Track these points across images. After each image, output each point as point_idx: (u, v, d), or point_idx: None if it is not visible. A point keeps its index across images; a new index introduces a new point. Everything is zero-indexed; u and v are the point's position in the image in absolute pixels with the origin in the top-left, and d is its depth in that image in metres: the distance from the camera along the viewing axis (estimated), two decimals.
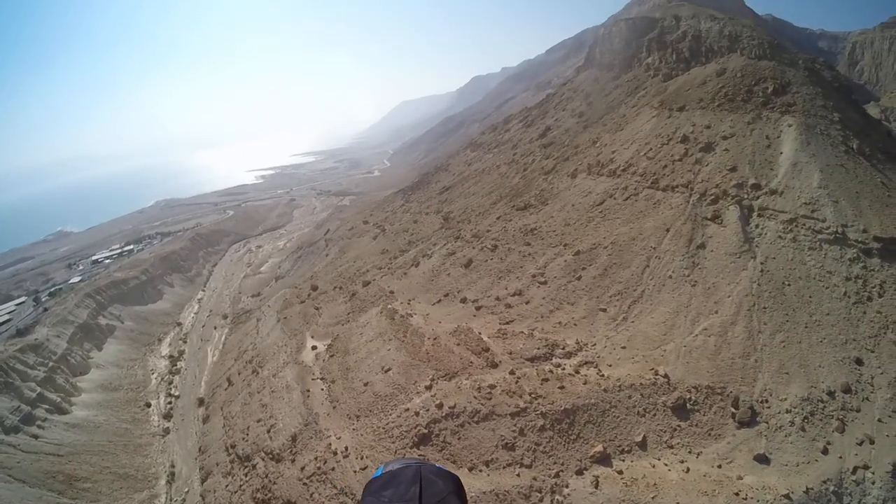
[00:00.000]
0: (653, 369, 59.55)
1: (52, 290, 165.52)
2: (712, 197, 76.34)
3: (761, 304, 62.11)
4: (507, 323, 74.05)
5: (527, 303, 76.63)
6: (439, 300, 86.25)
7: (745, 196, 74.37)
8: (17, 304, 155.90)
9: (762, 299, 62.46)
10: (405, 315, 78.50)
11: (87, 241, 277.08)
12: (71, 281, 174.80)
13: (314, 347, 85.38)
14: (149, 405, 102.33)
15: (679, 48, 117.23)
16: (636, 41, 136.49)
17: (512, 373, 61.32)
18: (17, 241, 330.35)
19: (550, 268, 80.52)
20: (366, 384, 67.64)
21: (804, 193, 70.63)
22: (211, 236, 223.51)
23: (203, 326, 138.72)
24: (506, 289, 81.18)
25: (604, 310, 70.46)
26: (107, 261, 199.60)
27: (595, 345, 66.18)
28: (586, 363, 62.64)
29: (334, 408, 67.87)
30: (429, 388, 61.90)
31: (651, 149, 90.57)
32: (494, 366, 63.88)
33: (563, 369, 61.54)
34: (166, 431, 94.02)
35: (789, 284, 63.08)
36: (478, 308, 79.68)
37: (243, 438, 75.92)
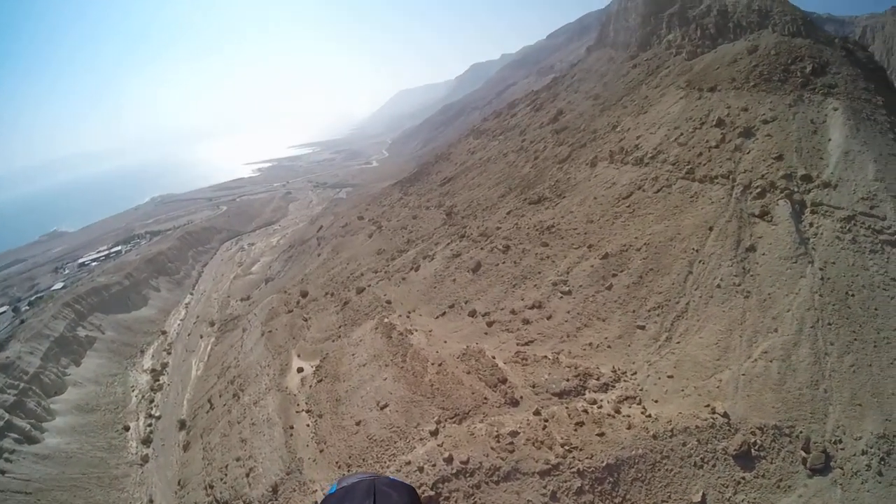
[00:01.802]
0: (708, 406, 47.57)
1: (33, 298, 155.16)
2: (758, 190, 64.42)
3: (825, 318, 50.97)
4: (526, 344, 61.18)
5: (548, 318, 63.72)
6: (443, 312, 73.34)
7: (796, 189, 62.69)
8: None
9: (825, 313, 51.29)
10: (404, 332, 66.16)
11: (80, 241, 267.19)
12: (53, 288, 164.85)
13: (300, 369, 73.50)
14: (127, 428, 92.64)
15: (704, 24, 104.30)
16: (654, 17, 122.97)
17: (537, 413, 48.94)
18: (14, 241, 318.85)
19: (574, 274, 67.59)
20: (358, 423, 55.78)
21: (860, 187, 59.69)
22: (201, 234, 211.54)
23: (189, 335, 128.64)
24: (522, 299, 68.15)
25: (642, 327, 57.92)
26: (93, 264, 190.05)
27: (636, 373, 53.86)
28: (627, 398, 50.52)
29: (321, 451, 56.23)
30: (434, 433, 49.49)
31: (682, 133, 78.02)
32: (514, 403, 51.38)
33: (600, 408, 49.20)
34: (145, 459, 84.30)
35: (853, 294, 52.13)
36: (489, 324, 66.71)
37: (221, 479, 65.32)
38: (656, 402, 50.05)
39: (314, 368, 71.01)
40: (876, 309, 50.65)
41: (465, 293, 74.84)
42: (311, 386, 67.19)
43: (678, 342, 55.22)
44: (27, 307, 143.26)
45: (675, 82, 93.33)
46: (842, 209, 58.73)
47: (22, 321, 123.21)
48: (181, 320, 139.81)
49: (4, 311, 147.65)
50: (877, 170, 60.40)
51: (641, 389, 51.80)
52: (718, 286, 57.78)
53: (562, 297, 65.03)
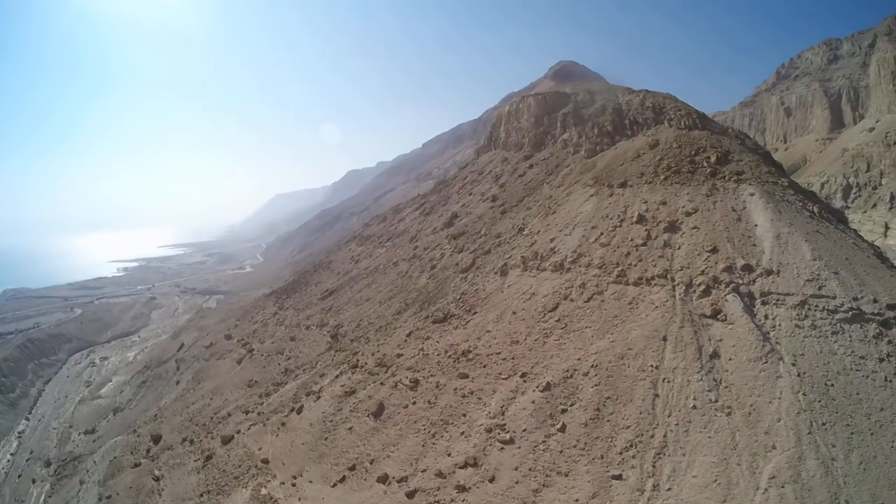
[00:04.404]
0: None
1: None
2: (702, 287, 55.30)
3: (817, 419, 41.93)
4: None
5: (490, 479, 44.71)
6: (342, 478, 51.44)
7: (740, 281, 54.74)
8: None
9: (815, 413, 42.25)
10: None
11: None
12: None
13: None
14: None
15: (600, 122, 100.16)
16: (548, 117, 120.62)
17: None
18: None
19: (512, 414, 49.97)
20: None
21: (803, 269, 53.81)
22: (46, 343, 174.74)
23: (19, 477, 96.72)
24: (448, 454, 48.75)
25: (618, 477, 41.79)
26: None
27: None
28: None
29: None
30: None
31: (602, 233, 68.44)
32: None
33: None
34: None
35: (832, 384, 44.38)
36: (410, 494, 45.83)
37: None
38: None
39: None
40: (857, 393, 43.30)
41: (368, 448, 54.13)
42: None
43: (669, 489, 40.46)
44: None
45: (579, 180, 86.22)
46: (792, 295, 51.90)
47: None
48: (11, 455, 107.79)
49: None
50: (812, 249, 55.36)
51: None
52: (694, 407, 45.04)
53: (503, 448, 46.67)
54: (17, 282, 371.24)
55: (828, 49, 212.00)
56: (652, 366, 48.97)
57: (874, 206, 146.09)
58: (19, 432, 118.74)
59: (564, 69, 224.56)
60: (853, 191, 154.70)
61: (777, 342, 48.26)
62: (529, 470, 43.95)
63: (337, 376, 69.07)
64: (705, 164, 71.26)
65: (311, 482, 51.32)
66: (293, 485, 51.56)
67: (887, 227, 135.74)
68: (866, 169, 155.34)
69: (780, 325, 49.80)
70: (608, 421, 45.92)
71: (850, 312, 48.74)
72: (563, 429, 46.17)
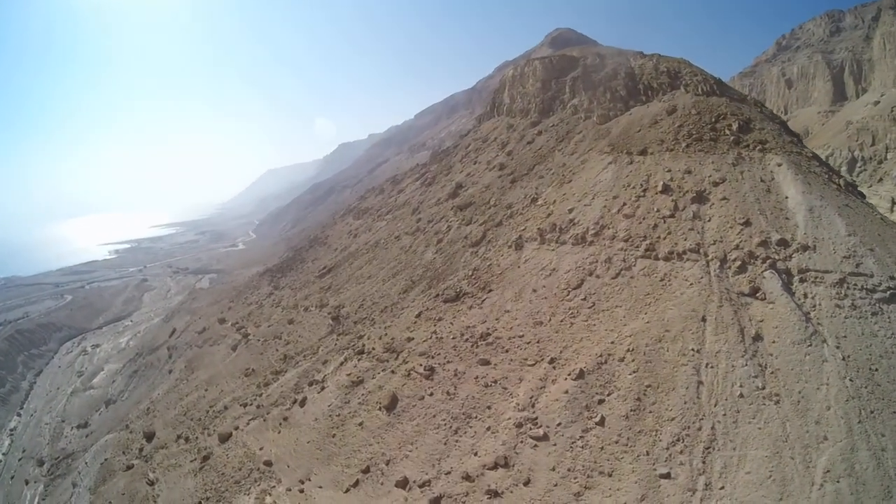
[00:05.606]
0: None
1: None
2: (738, 263, 50.37)
3: (866, 406, 38.35)
4: None
5: (525, 483, 39.47)
6: (355, 481, 45.76)
7: (777, 256, 49.87)
8: None
9: (863, 400, 38.63)
10: None
11: None
12: None
13: None
14: None
15: (613, 86, 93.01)
16: (555, 81, 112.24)
17: None
18: None
19: (543, 406, 44.62)
20: None
21: (839, 245, 49.33)
22: (36, 332, 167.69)
23: (12, 478, 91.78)
24: (475, 453, 43.42)
25: (666, 475, 37.18)
26: None
27: None
28: None
29: None
30: None
31: (625, 203, 62.37)
32: None
33: None
34: None
35: (876, 369, 40.60)
36: (435, 501, 40.37)
37: None
38: None
39: None
40: None
41: (382, 446, 48.44)
42: None
43: (722, 487, 36.25)
44: None
45: (594, 147, 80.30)
46: (831, 273, 47.76)
47: None
48: (3, 454, 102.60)
49: None
50: (846, 224, 51.04)
51: None
52: (741, 395, 40.72)
53: (536, 446, 41.55)
54: (8, 271, 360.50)
55: (830, 21, 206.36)
56: (693, 349, 44.19)
57: (880, 180, 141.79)
58: (11, 429, 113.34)
59: (561, 36, 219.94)
60: (858, 164, 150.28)
61: (819, 323, 44.04)
62: (568, 470, 38.96)
63: (342, 363, 63.30)
64: (727, 132, 65.81)
65: (320, 487, 45.71)
66: (301, 491, 46.03)
67: (894, 203, 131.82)
68: (871, 143, 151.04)
69: (820, 304, 45.59)
70: (650, 412, 41.10)
71: (889, 292, 45.15)
72: (601, 422, 41.27)
